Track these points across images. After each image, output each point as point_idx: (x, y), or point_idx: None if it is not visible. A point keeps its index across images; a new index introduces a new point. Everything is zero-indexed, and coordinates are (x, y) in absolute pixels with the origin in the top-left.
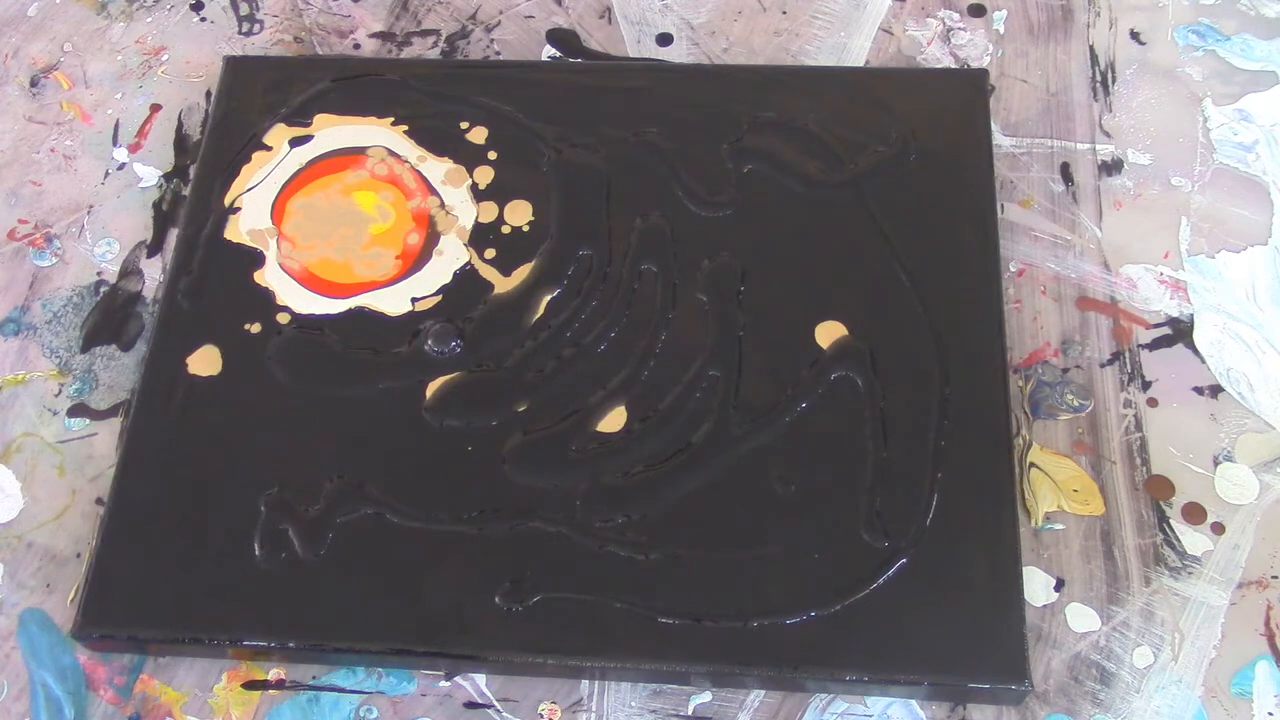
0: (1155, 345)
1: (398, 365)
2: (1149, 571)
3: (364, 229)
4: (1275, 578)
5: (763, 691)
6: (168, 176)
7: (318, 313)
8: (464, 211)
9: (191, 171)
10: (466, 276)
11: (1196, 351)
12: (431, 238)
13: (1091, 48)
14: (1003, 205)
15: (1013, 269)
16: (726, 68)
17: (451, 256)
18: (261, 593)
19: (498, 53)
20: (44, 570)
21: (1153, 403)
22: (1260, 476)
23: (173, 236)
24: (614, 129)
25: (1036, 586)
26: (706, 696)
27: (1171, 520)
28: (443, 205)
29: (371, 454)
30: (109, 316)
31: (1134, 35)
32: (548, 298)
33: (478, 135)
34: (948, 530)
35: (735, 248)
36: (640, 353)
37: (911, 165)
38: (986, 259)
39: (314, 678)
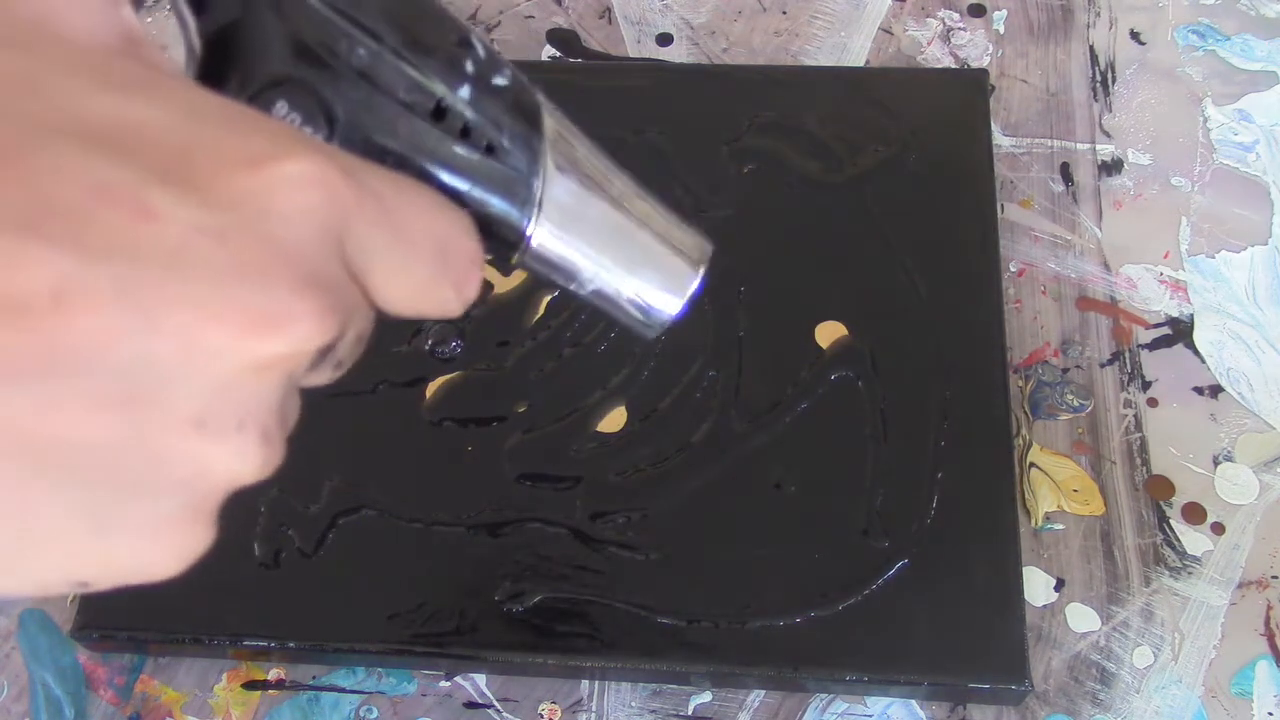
0: (1155, 345)
1: (398, 365)
2: (1149, 571)
3: None
4: (1275, 578)
5: (763, 691)
6: None
7: None
8: None
9: None
10: None
11: (1196, 351)
12: None
13: (1091, 48)
14: (1003, 205)
15: (1013, 269)
16: (726, 68)
17: None
18: (261, 593)
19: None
20: None
21: (1153, 403)
22: (1260, 476)
23: None
24: (614, 129)
25: (1036, 586)
26: (706, 696)
27: (1171, 520)
28: None
29: (371, 454)
30: None
31: (1134, 35)
32: (548, 298)
33: None
34: (948, 530)
35: (735, 248)
36: (640, 353)
37: (911, 165)
38: (986, 259)
39: (314, 678)
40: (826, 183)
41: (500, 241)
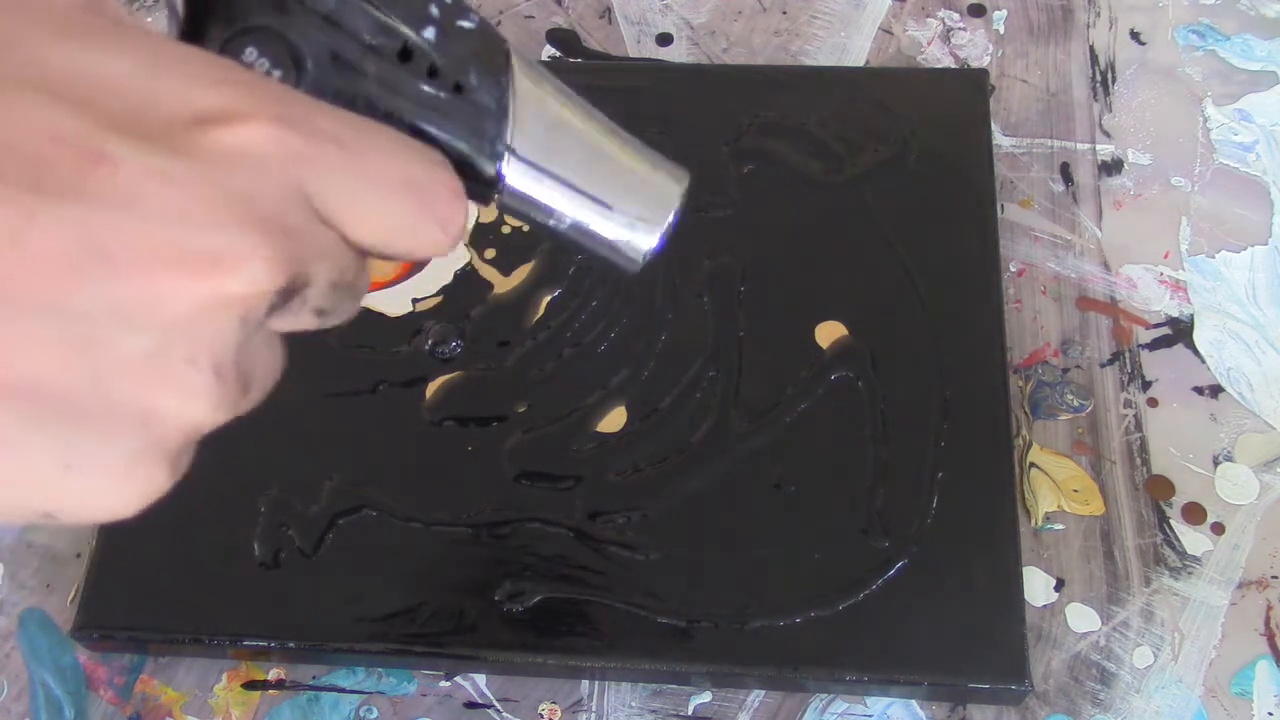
0: (1155, 345)
1: (398, 365)
2: (1149, 571)
3: None
4: (1275, 578)
5: (763, 691)
6: None
7: None
8: None
9: None
10: (467, 276)
11: (1196, 351)
12: None
13: (1091, 48)
14: (1003, 205)
15: (1013, 269)
16: (726, 68)
17: (452, 256)
18: (261, 593)
19: None
20: (44, 570)
21: (1153, 403)
22: (1260, 476)
23: None
24: None
25: (1036, 586)
26: (706, 696)
27: (1171, 520)
28: None
29: (371, 454)
30: None
31: (1134, 35)
32: (548, 298)
33: None
34: (948, 530)
35: (735, 248)
36: (640, 353)
37: (911, 165)
38: (986, 259)
39: (314, 678)
40: (826, 183)
41: (477, 182)
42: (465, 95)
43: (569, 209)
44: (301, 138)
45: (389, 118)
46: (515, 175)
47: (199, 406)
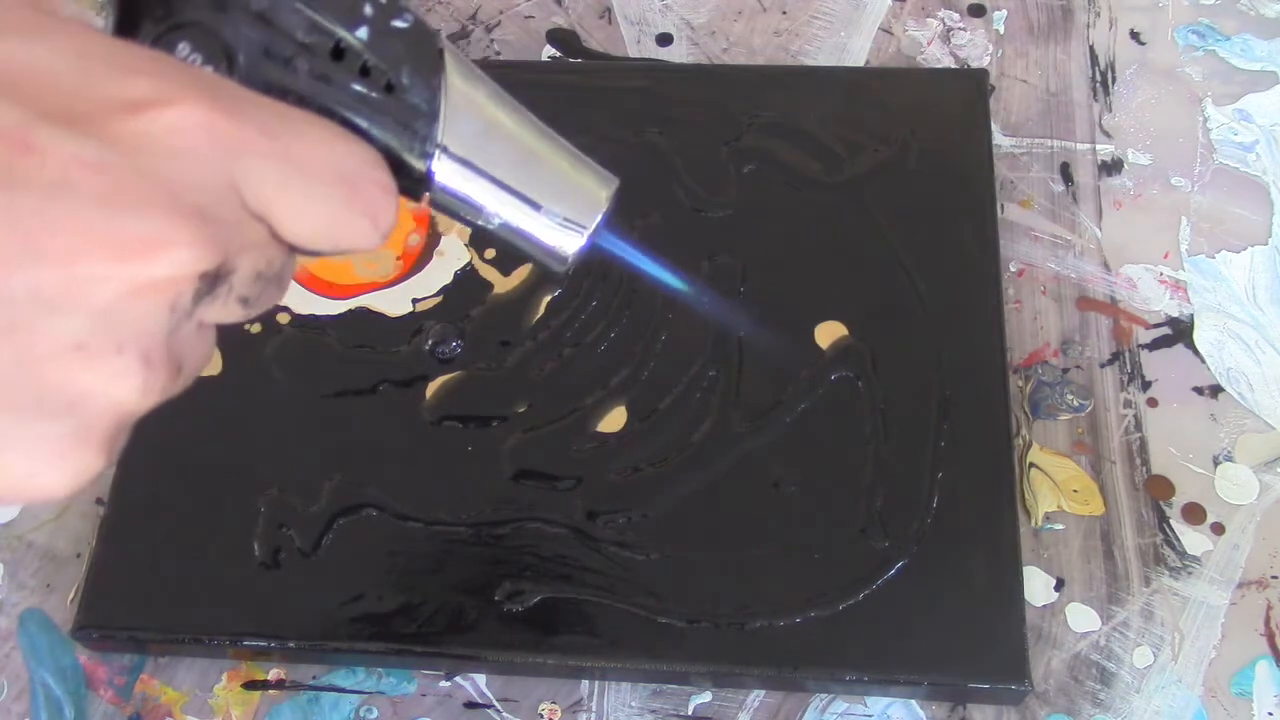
0: (1155, 345)
1: (398, 365)
2: (1149, 571)
3: None
4: (1275, 578)
5: (763, 691)
6: None
7: (318, 313)
8: None
9: None
10: (467, 276)
11: (1196, 351)
12: (432, 238)
13: (1091, 48)
14: (1003, 205)
15: (1013, 269)
16: (726, 68)
17: (452, 257)
18: (261, 593)
19: (498, 53)
20: (44, 570)
21: (1153, 403)
22: (1260, 476)
23: None
24: (614, 129)
25: (1036, 586)
26: (706, 696)
27: (1171, 520)
28: None
29: (371, 454)
30: None
31: (1134, 35)
32: (548, 298)
33: None
34: (948, 530)
35: (735, 248)
36: (640, 353)
37: (911, 165)
38: (986, 259)
39: (314, 678)
40: (826, 183)
41: (408, 178)
42: (397, 95)
43: (498, 208)
44: (233, 125)
45: (321, 114)
46: (445, 173)
47: (128, 393)
